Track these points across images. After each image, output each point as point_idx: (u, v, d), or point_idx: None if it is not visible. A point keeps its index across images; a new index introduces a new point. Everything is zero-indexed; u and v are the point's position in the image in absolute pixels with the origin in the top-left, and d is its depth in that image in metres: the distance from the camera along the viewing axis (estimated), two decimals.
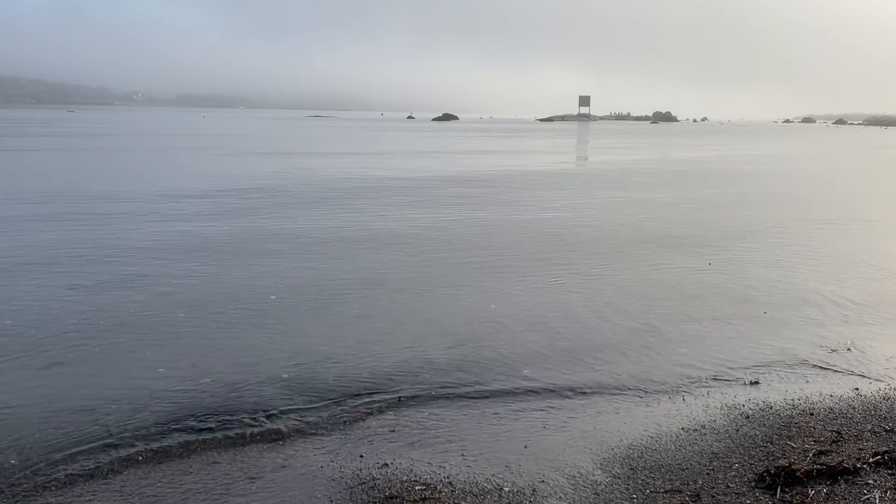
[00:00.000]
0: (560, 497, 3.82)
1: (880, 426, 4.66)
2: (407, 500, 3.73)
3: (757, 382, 5.51)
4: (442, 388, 5.29)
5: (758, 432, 4.60)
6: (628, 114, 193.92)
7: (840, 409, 4.96)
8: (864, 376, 5.65)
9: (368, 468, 4.10)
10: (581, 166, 30.32)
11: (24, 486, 3.86)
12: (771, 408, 5.01)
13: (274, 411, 4.83)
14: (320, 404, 4.96)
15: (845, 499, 3.68)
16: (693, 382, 5.52)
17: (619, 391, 5.32)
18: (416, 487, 3.87)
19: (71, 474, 3.98)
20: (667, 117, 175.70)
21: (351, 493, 3.83)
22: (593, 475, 4.06)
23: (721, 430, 4.64)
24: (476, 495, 3.81)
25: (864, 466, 4.00)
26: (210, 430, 4.55)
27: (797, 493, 3.74)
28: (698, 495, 3.80)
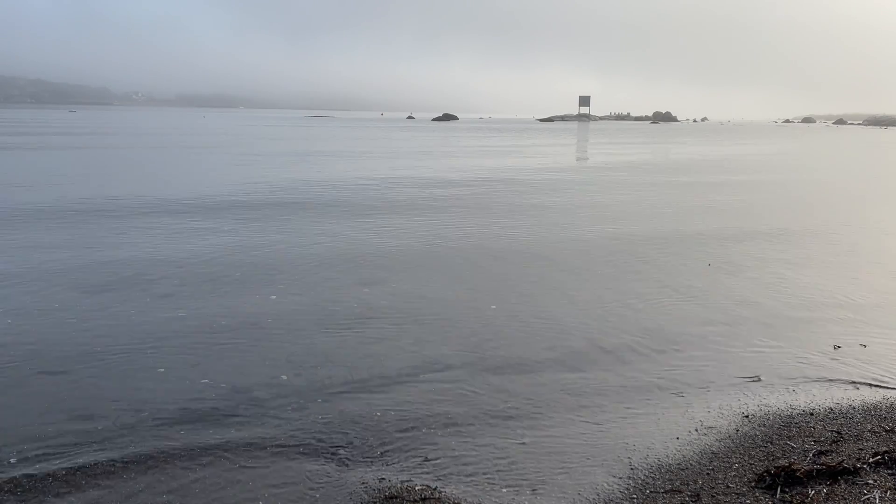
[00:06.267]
0: (560, 497, 3.82)
1: (880, 426, 4.66)
2: (407, 500, 3.73)
3: (757, 382, 5.51)
4: (442, 388, 5.29)
5: (758, 432, 4.60)
6: (628, 114, 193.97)
7: (840, 409, 4.96)
8: (864, 376, 5.65)
9: (367, 468, 4.10)
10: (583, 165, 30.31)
11: (24, 486, 3.86)
12: (771, 408, 5.01)
13: (273, 412, 4.83)
14: (318, 405, 4.96)
15: (845, 499, 3.68)
16: (693, 382, 5.51)
17: (619, 391, 5.32)
18: (416, 487, 3.87)
19: (71, 475, 3.98)
20: (667, 117, 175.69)
21: (350, 493, 3.82)
22: (593, 475, 4.06)
23: (721, 430, 4.64)
24: (476, 495, 3.81)
25: (864, 466, 4.00)
26: (209, 430, 4.55)
27: (797, 493, 3.74)
28: (698, 495, 3.80)
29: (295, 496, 3.81)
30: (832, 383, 5.50)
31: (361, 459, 4.21)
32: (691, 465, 4.17)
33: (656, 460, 4.23)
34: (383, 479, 3.97)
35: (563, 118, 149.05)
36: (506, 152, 37.61)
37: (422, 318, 7.03)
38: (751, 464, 4.15)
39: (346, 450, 4.33)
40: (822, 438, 4.47)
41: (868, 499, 3.67)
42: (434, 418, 4.78)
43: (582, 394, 5.26)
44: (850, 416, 4.85)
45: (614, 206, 15.97)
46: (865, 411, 4.92)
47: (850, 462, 4.04)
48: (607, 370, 5.72)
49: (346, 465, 4.14)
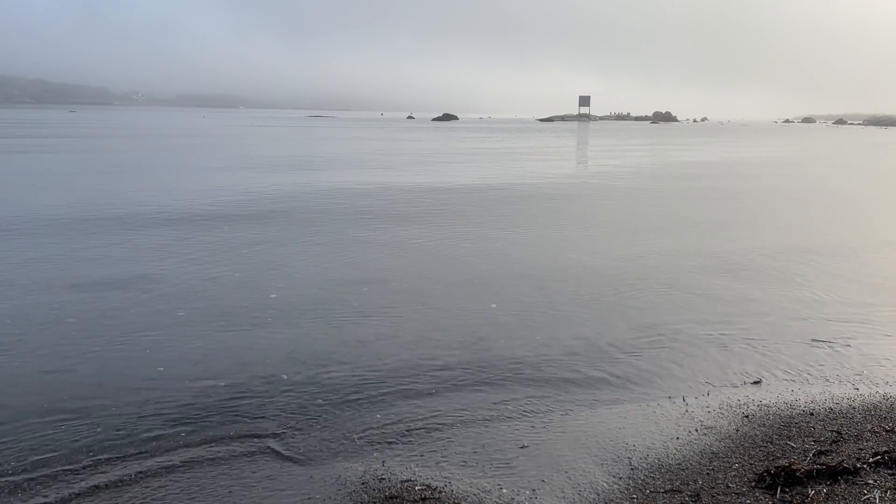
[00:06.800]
0: (560, 497, 3.82)
1: (880, 426, 4.65)
2: (407, 500, 3.73)
3: (757, 382, 5.51)
4: (442, 388, 5.29)
5: (758, 432, 4.59)
6: (628, 114, 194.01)
7: (840, 409, 4.96)
8: (864, 376, 5.65)
9: (368, 468, 4.09)
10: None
11: (24, 486, 3.86)
12: (771, 408, 5.00)
13: (273, 411, 4.83)
14: (319, 404, 4.96)
15: (845, 499, 3.68)
16: (693, 382, 5.51)
17: (619, 391, 5.32)
18: (416, 487, 3.86)
19: (70, 475, 3.98)
20: (667, 117, 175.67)
21: (350, 493, 3.82)
22: (593, 475, 4.06)
23: (721, 430, 4.64)
24: (476, 495, 3.81)
25: (864, 466, 4.00)
26: (209, 430, 4.55)
27: (797, 493, 3.74)
28: (698, 495, 3.80)
29: (295, 496, 3.81)
30: (832, 383, 5.50)
31: (361, 459, 4.21)
32: (691, 465, 4.17)
33: (656, 460, 4.23)
34: (383, 479, 3.96)
35: (563, 118, 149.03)
36: (507, 154, 37.62)
37: (422, 317, 7.03)
38: (751, 464, 4.15)
39: (346, 449, 4.33)
40: (822, 438, 4.47)
41: (868, 499, 3.67)
42: (434, 418, 4.78)
43: (581, 394, 5.25)
44: (850, 416, 4.85)
45: (618, 211, 15.98)
46: (865, 411, 4.92)
47: (850, 462, 4.03)
48: (607, 370, 5.72)
49: (346, 465, 4.13)
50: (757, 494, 3.78)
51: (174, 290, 7.80)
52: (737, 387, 5.43)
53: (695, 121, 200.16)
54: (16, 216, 12.66)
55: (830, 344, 6.43)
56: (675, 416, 4.87)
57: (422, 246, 10.69)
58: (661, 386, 5.43)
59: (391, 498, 3.75)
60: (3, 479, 3.91)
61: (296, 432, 4.54)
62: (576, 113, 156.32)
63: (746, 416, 4.86)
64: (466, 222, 13.09)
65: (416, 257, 9.87)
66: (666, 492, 3.85)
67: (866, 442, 4.40)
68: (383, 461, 4.18)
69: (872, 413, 4.89)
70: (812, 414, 4.89)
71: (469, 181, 20.89)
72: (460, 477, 4.00)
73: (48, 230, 11.33)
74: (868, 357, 6.10)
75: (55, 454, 4.19)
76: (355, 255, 9.89)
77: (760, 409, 4.97)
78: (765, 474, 3.94)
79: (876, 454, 4.13)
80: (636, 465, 4.18)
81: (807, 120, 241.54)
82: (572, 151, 42.29)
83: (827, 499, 3.68)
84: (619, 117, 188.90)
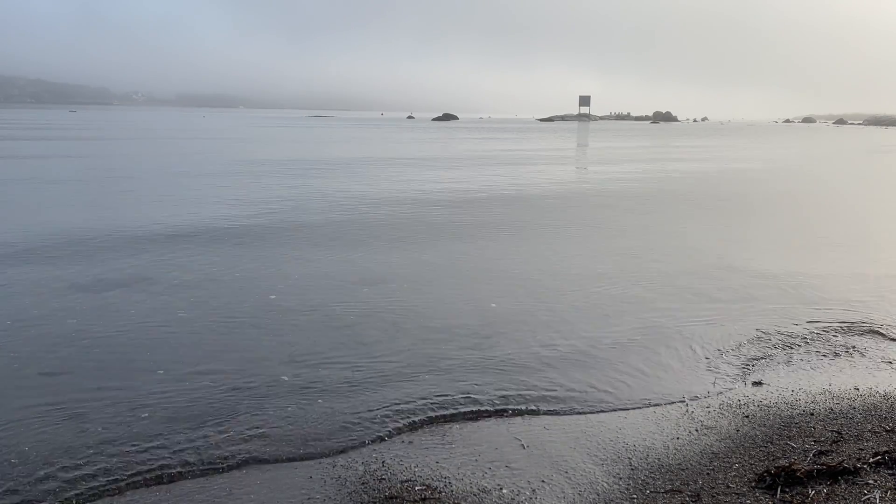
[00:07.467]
0: (560, 497, 3.82)
1: (880, 426, 4.65)
2: (407, 500, 3.73)
3: (758, 383, 5.51)
4: (442, 388, 5.28)
5: (758, 432, 4.59)
6: (628, 114, 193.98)
7: (840, 409, 4.96)
8: (864, 376, 5.65)
9: (367, 468, 4.10)
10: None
11: (24, 488, 3.85)
12: (771, 408, 5.00)
13: (273, 412, 4.83)
14: (319, 405, 4.96)
15: (846, 499, 3.68)
16: (693, 382, 5.51)
17: (619, 392, 5.32)
18: (416, 488, 3.86)
19: (70, 476, 3.98)
20: (667, 117, 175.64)
21: (350, 493, 3.82)
22: (593, 475, 4.06)
23: (721, 430, 4.64)
24: (476, 495, 3.81)
25: (865, 466, 3.99)
26: (209, 431, 4.54)
27: (797, 493, 3.74)
28: (698, 495, 3.80)
29: (295, 497, 3.81)
30: (832, 383, 5.50)
31: (361, 460, 4.21)
32: (691, 465, 4.17)
33: (656, 460, 4.23)
34: (383, 479, 3.96)
35: (563, 118, 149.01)
36: (507, 156, 37.62)
37: (421, 317, 7.02)
38: (751, 464, 4.15)
39: (346, 450, 4.33)
40: (823, 438, 4.47)
41: (868, 499, 3.67)
42: (434, 418, 4.77)
43: (581, 394, 5.25)
44: (850, 416, 4.84)
45: (619, 215, 15.98)
46: (865, 411, 4.92)
47: (851, 462, 4.03)
48: (607, 370, 5.72)
49: (346, 466, 4.13)
50: (757, 494, 3.78)
51: (174, 291, 7.79)
52: (737, 387, 5.43)
53: (695, 121, 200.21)
54: (17, 219, 12.65)
55: (831, 344, 6.43)
56: (675, 416, 4.87)
57: (421, 248, 10.69)
58: (661, 386, 5.43)
59: (391, 498, 3.75)
60: (3, 481, 3.90)
61: (296, 433, 4.54)
62: (576, 113, 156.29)
63: (747, 416, 4.85)
64: (465, 226, 13.09)
65: (415, 259, 9.87)
66: (666, 492, 3.85)
67: (866, 442, 4.39)
68: (383, 461, 4.18)
69: (872, 413, 4.89)
70: (812, 414, 4.89)
71: (469, 185, 20.91)
72: (460, 477, 4.00)
73: (49, 233, 11.32)
74: (868, 357, 6.10)
75: (55, 455, 4.18)
76: (355, 258, 9.89)
77: (760, 409, 4.97)
78: (765, 474, 3.94)
79: (876, 454, 4.13)
80: (636, 465, 4.18)
81: (807, 120, 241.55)
82: (573, 154, 42.26)
83: (827, 499, 3.68)
84: (620, 117, 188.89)
